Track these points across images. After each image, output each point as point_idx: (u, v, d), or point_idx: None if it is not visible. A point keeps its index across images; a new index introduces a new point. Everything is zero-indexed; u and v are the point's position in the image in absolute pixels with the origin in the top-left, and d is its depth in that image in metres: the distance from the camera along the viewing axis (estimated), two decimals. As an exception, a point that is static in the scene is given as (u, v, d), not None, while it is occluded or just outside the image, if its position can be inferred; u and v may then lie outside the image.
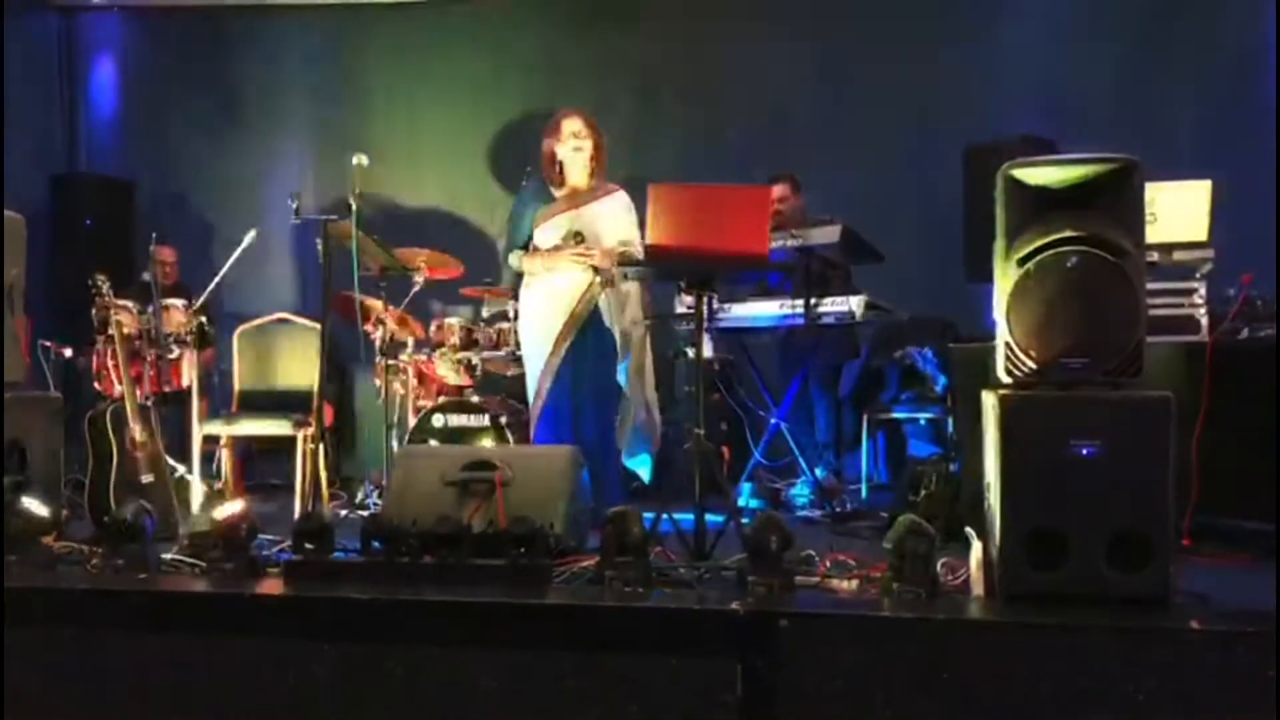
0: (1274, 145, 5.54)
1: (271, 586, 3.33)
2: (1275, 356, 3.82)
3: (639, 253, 4.29)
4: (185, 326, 5.37)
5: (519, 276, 4.71)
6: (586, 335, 4.43)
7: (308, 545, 3.41)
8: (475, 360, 5.59)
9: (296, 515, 4.45)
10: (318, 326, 4.94)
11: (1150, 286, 3.23)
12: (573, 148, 4.43)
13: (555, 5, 7.19)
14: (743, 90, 6.84)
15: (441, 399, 5.43)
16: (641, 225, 4.21)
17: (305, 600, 3.22)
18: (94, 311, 5.06)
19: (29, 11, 7.10)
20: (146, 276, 5.45)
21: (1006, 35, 6.49)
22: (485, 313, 5.72)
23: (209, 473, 5.55)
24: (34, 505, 3.67)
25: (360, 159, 4.54)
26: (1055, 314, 3.05)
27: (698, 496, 3.82)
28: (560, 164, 4.48)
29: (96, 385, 5.48)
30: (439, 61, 7.25)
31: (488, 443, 4.99)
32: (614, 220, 4.48)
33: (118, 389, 4.86)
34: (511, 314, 5.46)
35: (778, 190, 5.61)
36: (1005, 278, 3.12)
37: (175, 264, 6.37)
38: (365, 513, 4.95)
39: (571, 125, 4.43)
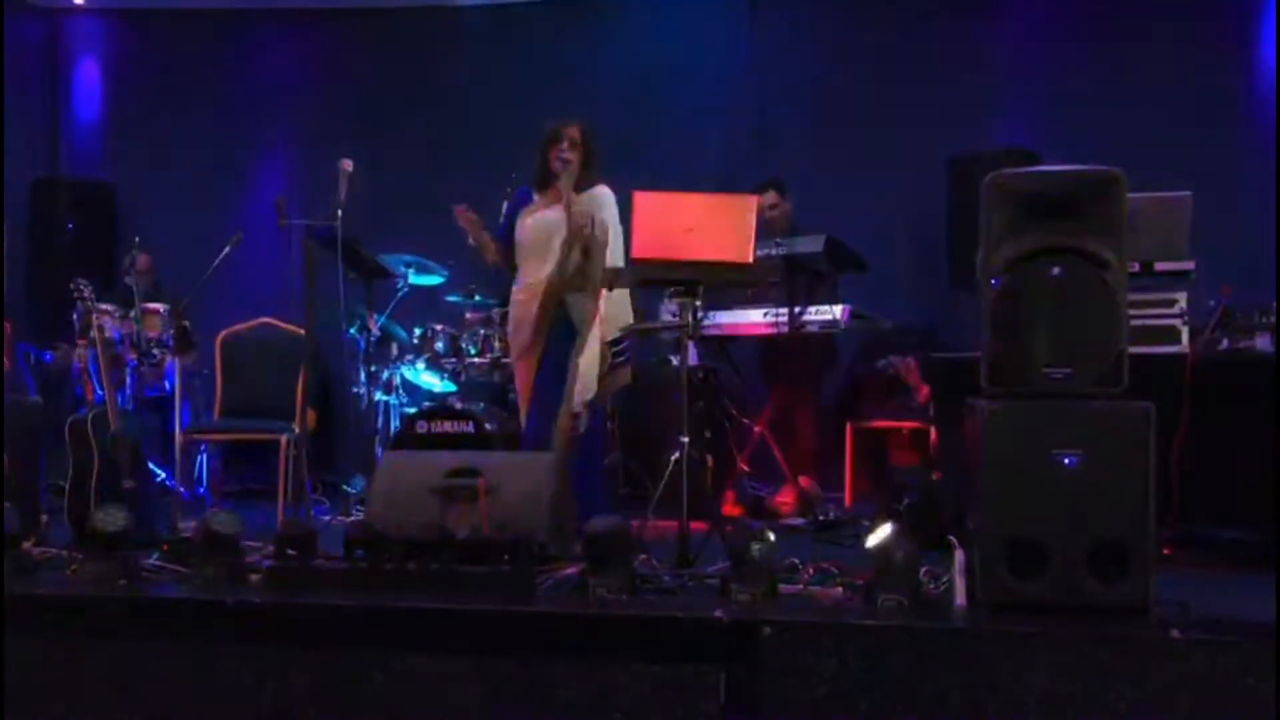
0: (1254, 156, 5.59)
1: (253, 593, 3.32)
2: (1275, 365, 3.85)
3: (614, 243, 4.29)
4: (167, 330, 5.35)
5: (507, 284, 4.69)
6: (557, 340, 4.43)
7: (290, 551, 3.40)
8: (459, 367, 5.59)
9: (279, 521, 4.43)
10: (301, 331, 4.93)
11: (1131, 297, 3.26)
12: (565, 157, 4.42)
13: (544, 10, 7.21)
14: (728, 99, 6.86)
15: (426, 405, 5.42)
16: (627, 233, 4.21)
17: (287, 607, 3.21)
18: (75, 316, 5.03)
19: (10, 14, 7.06)
20: (129, 280, 5.43)
21: (991, 46, 6.53)
22: (469, 318, 5.71)
23: (191, 477, 5.53)
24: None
25: (345, 164, 4.53)
26: (1038, 324, 3.07)
27: (682, 504, 3.82)
28: (552, 172, 4.47)
29: (77, 389, 5.45)
30: (424, 67, 7.25)
31: (472, 449, 4.98)
32: (592, 209, 4.44)
33: (99, 393, 4.84)
34: (497, 319, 5.46)
35: (767, 198, 5.64)
36: (988, 288, 3.14)
37: (149, 269, 6.30)
38: (348, 519, 4.94)
39: (570, 133, 4.45)
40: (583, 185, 4.44)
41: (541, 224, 4.46)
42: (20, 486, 3.93)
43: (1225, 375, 3.96)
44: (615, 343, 4.48)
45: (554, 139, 4.47)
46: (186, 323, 5.47)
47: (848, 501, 5.49)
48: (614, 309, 4.46)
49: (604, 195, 4.46)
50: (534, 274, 4.45)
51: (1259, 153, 5.74)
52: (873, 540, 3.16)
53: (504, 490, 3.61)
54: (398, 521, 3.47)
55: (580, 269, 4.36)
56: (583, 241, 4.34)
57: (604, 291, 4.37)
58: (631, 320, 4.56)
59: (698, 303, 4.12)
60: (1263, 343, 4.09)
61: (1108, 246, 3.07)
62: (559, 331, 4.40)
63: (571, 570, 3.41)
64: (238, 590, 3.33)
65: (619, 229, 4.43)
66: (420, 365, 5.65)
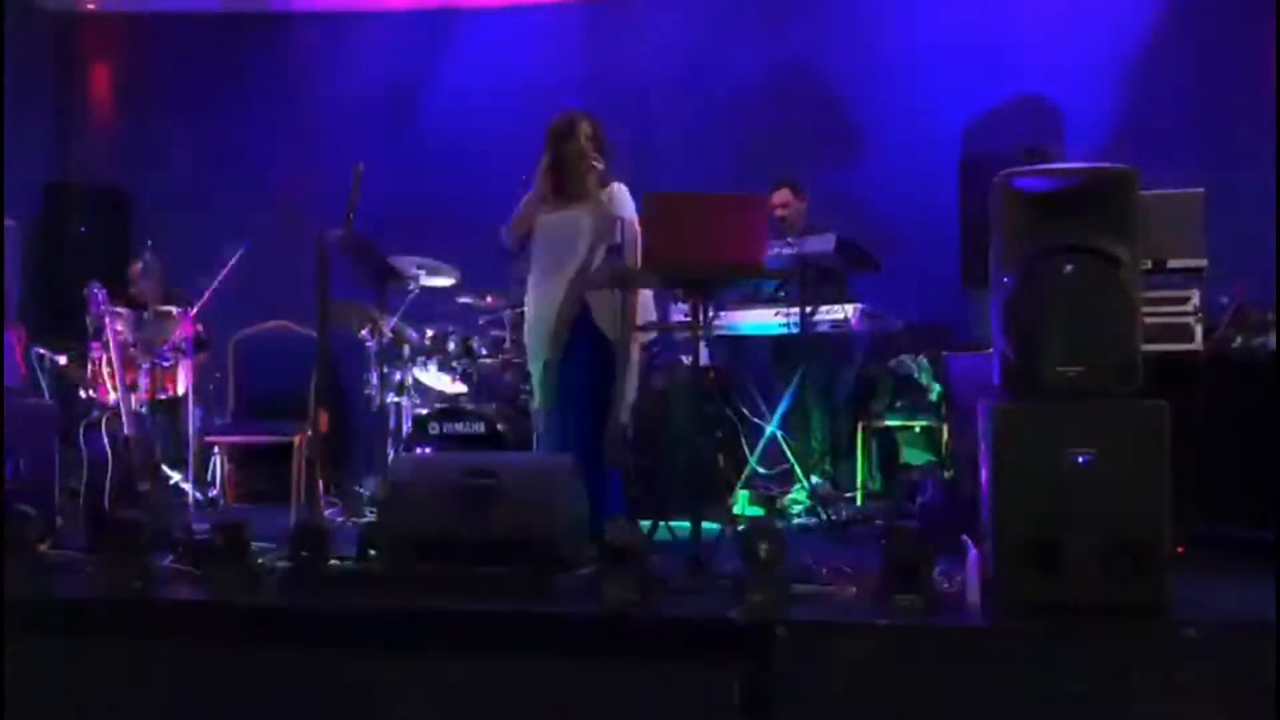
0: (1265, 153, 5.57)
1: (268, 594, 3.33)
2: (1274, 364, 3.84)
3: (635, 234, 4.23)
4: (181, 333, 5.36)
5: (522, 285, 4.66)
6: (579, 340, 4.39)
7: (304, 553, 3.41)
8: (471, 368, 5.59)
9: (293, 523, 4.44)
10: (314, 334, 4.94)
11: (1144, 295, 3.24)
12: (592, 158, 4.32)
13: (553, 13, 7.22)
14: (740, 98, 6.86)
15: (438, 406, 5.42)
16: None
17: (302, 608, 3.22)
18: (88, 319, 5.05)
19: (22, 17, 7.08)
20: (142, 284, 5.44)
21: (1003, 45, 6.52)
22: (481, 320, 5.72)
23: (205, 480, 5.54)
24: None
25: (358, 166, 4.54)
26: (1051, 323, 3.06)
27: (695, 505, 3.82)
28: (565, 168, 4.38)
29: (91, 393, 5.47)
30: (437, 68, 7.27)
31: (484, 451, 4.98)
32: (614, 209, 4.38)
33: (112, 396, 4.86)
34: (509, 320, 5.46)
35: (780, 196, 5.63)
36: (1001, 286, 3.13)
37: (160, 273, 6.28)
38: (361, 521, 4.94)
39: (583, 128, 4.36)
40: (595, 184, 4.37)
41: (562, 222, 4.36)
42: (35, 489, 3.94)
43: (1239, 372, 3.94)
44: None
45: (568, 133, 4.38)
46: (200, 327, 5.48)
47: (860, 501, 5.48)
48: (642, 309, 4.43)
49: (624, 193, 4.39)
50: (555, 273, 4.37)
51: (1268, 149, 5.72)
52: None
53: (517, 491, 3.61)
54: (410, 523, 3.48)
55: (602, 269, 4.33)
56: (609, 241, 4.28)
57: (641, 292, 4.31)
58: (654, 319, 4.53)
59: (709, 303, 4.10)
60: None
61: (1121, 244, 3.06)
62: (581, 333, 4.36)
63: (585, 571, 3.41)
64: (252, 592, 3.34)
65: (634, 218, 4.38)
66: (432, 366, 5.65)
